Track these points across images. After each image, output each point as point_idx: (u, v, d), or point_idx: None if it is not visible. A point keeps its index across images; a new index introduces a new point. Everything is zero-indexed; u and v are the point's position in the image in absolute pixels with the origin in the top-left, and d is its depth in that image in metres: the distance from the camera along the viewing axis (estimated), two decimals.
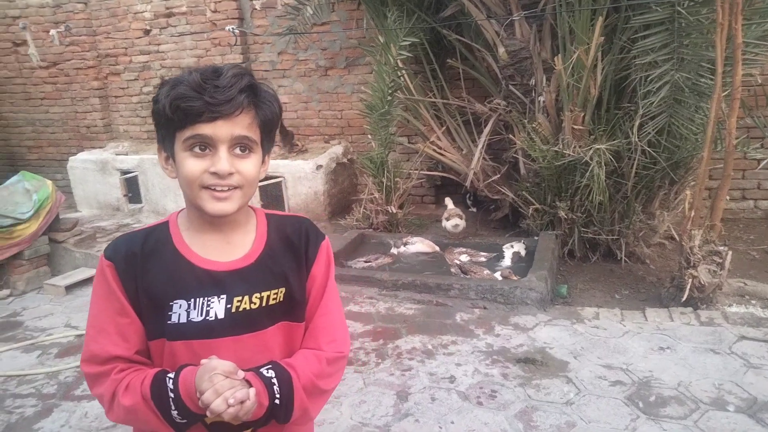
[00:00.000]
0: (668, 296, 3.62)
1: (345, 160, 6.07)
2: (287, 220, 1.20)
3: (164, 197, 6.18)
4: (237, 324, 1.06)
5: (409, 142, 5.97)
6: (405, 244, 4.69)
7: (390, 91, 4.76)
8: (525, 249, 4.44)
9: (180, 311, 1.04)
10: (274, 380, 1.04)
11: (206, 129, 0.99)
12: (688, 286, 3.36)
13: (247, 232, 1.13)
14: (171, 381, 1.00)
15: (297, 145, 6.16)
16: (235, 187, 1.03)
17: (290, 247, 1.15)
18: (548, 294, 3.72)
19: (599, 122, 4.21)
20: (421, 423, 2.54)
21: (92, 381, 1.06)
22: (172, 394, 0.99)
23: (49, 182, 4.58)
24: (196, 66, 1.02)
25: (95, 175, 6.53)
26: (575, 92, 4.06)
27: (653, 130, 3.78)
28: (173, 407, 0.99)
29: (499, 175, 5.00)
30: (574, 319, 3.48)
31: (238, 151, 1.03)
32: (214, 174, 1.00)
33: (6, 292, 4.31)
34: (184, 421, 1.01)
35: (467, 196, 5.88)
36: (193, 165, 1.01)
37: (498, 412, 2.60)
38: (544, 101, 4.40)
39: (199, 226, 1.10)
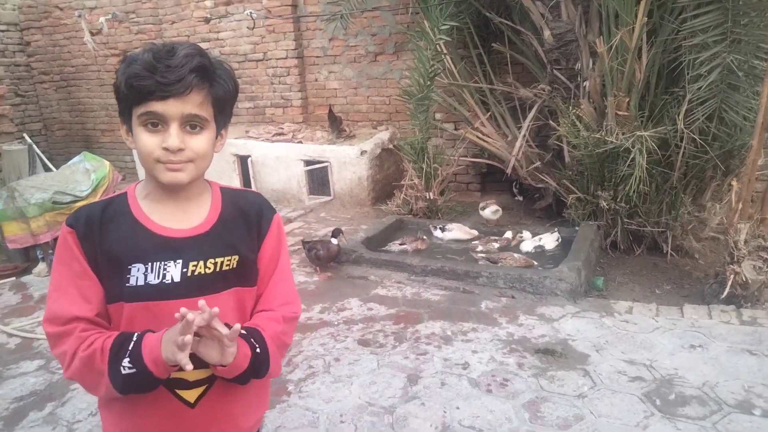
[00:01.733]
0: (710, 293, 3.41)
1: (391, 146, 6.09)
2: (241, 194, 1.26)
3: (218, 180, 6.41)
4: (192, 287, 1.11)
5: (455, 129, 5.90)
6: (442, 230, 4.66)
7: (429, 76, 4.71)
8: (557, 241, 4.29)
9: (138, 274, 1.09)
10: (245, 332, 1.12)
11: (158, 107, 1.03)
12: (730, 283, 3.16)
13: (202, 203, 1.19)
14: (137, 335, 1.06)
15: (345, 130, 6.23)
16: (188, 161, 1.08)
17: (243, 219, 1.21)
18: (581, 285, 3.59)
19: (646, 108, 4.00)
20: (427, 407, 2.55)
21: (55, 340, 1.10)
22: (132, 346, 1.04)
23: (107, 163, 4.88)
24: (151, 46, 1.07)
25: None
26: (619, 76, 3.87)
27: (702, 116, 3.55)
28: (127, 356, 1.04)
29: (540, 163, 4.85)
30: (604, 312, 3.35)
31: (188, 128, 1.07)
32: (166, 149, 1.05)
33: None
34: (133, 370, 1.03)
35: (513, 184, 5.76)
36: (147, 140, 1.06)
37: (506, 401, 2.56)
38: (588, 86, 4.22)
39: (157, 197, 1.15)
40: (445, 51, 4.97)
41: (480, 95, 5.36)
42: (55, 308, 1.10)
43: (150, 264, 1.10)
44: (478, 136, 5.29)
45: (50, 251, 4.61)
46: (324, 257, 4.09)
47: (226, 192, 1.24)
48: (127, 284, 1.09)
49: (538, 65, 4.93)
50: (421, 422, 2.43)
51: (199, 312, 0.99)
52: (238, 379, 1.12)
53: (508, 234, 4.47)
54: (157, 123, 1.05)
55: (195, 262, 1.12)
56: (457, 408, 2.52)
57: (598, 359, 2.86)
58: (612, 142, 3.87)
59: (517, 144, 4.88)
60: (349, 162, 5.83)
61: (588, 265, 3.83)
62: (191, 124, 1.07)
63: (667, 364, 2.77)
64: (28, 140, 5.78)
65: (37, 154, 5.66)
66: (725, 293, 3.19)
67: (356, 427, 2.43)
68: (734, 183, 3.28)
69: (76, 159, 4.91)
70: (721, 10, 3.36)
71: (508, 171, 5.03)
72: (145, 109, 1.04)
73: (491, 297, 3.63)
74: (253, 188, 6.33)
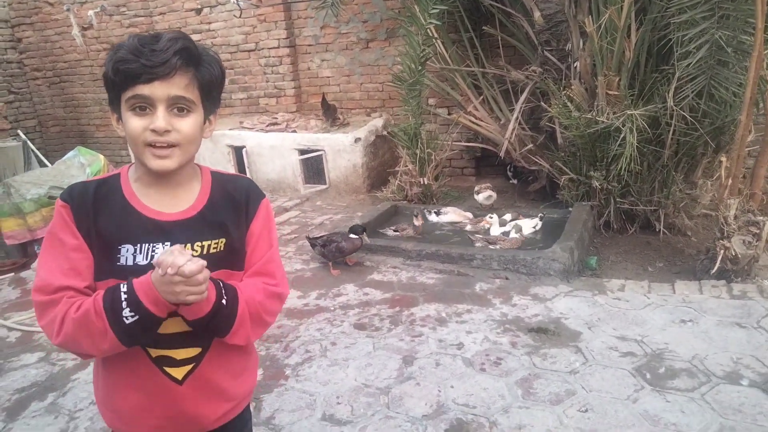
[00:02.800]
0: (702, 269, 3.45)
1: (385, 132, 6.09)
2: (230, 179, 1.29)
3: None
4: None
5: (448, 114, 5.91)
6: (437, 214, 4.69)
7: (421, 61, 4.71)
8: (534, 228, 4.28)
9: (127, 254, 1.13)
10: (221, 284, 1.15)
11: (144, 89, 1.07)
12: (720, 258, 3.19)
13: (192, 188, 1.22)
14: (124, 285, 1.08)
15: (339, 118, 6.24)
16: (174, 145, 1.11)
17: (231, 203, 1.23)
18: (573, 265, 3.63)
19: (636, 87, 4.00)
20: (422, 386, 2.59)
21: (42, 309, 1.10)
22: (124, 294, 1.06)
23: (101, 156, 4.90)
24: (137, 34, 1.11)
25: None
26: (609, 56, 3.88)
27: (692, 93, 3.56)
28: (125, 305, 1.05)
29: (533, 145, 4.87)
30: (596, 290, 3.39)
31: (176, 110, 1.10)
32: (153, 131, 1.08)
33: None
34: (136, 317, 1.05)
35: (508, 167, 5.77)
36: (135, 123, 1.09)
37: (499, 379, 2.60)
38: (578, 66, 4.23)
39: (147, 181, 1.18)
40: (436, 35, 4.97)
41: (472, 79, 5.37)
42: (45, 276, 1.11)
43: (139, 245, 1.13)
44: (471, 121, 5.31)
45: None
46: (347, 250, 3.93)
47: (216, 176, 1.26)
48: (117, 263, 1.13)
49: (530, 47, 4.94)
50: (416, 401, 2.47)
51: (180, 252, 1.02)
52: (195, 324, 1.12)
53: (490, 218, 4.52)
54: (144, 107, 1.09)
55: (182, 245, 1.12)
56: (452, 387, 2.57)
57: (590, 336, 2.90)
58: (603, 121, 3.89)
59: (510, 127, 4.89)
60: (344, 150, 5.84)
61: (581, 245, 3.86)
62: (178, 106, 1.10)
63: (658, 339, 2.81)
64: (23, 136, 5.80)
65: (32, 150, 5.68)
66: (715, 268, 3.22)
67: (352, 408, 2.47)
68: (724, 159, 3.30)
69: (70, 154, 4.93)
70: None
71: (501, 154, 5.05)
72: (132, 92, 1.07)
73: (485, 279, 3.67)
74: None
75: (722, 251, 3.19)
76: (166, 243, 1.14)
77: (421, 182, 5.10)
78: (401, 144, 5.20)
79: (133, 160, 1.24)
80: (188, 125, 1.12)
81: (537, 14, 4.46)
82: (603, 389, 2.45)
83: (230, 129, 6.59)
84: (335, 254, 3.95)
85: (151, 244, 1.14)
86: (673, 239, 4.13)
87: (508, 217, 4.49)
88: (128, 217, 1.14)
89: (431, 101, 6.02)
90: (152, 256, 1.12)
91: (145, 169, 1.16)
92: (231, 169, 6.45)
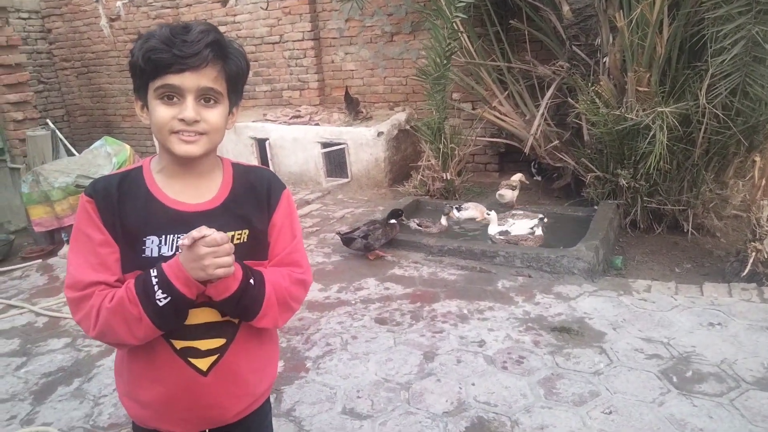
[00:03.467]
0: (731, 271, 3.36)
1: (408, 127, 6.06)
2: (252, 170, 1.29)
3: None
4: None
5: (472, 109, 5.85)
6: (459, 210, 4.66)
7: (446, 55, 4.66)
8: (531, 229, 4.10)
9: (152, 246, 1.14)
10: (248, 266, 1.16)
11: (175, 79, 1.08)
12: (751, 260, 3.11)
13: (214, 179, 1.23)
14: (154, 269, 1.10)
15: (362, 112, 6.22)
16: (201, 134, 1.13)
17: (253, 194, 1.24)
18: (598, 264, 3.57)
19: (667, 84, 3.91)
20: (443, 383, 2.57)
21: (76, 305, 1.13)
22: (155, 278, 1.08)
23: (128, 146, 4.96)
24: (166, 23, 1.12)
25: None
26: (640, 51, 3.79)
27: (725, 90, 3.46)
28: (156, 288, 1.08)
29: (559, 142, 4.80)
30: (622, 290, 3.33)
31: (203, 101, 1.12)
32: (182, 121, 1.10)
33: None
34: (168, 299, 1.08)
35: (532, 164, 5.71)
36: (163, 111, 1.10)
37: (521, 378, 2.57)
38: (608, 62, 4.14)
39: (171, 172, 1.19)
40: (461, 29, 4.91)
41: (497, 74, 5.30)
42: (76, 274, 1.13)
43: (164, 236, 1.14)
44: (495, 116, 5.25)
45: None
46: (391, 235, 4.09)
47: (238, 168, 1.27)
48: (142, 255, 1.14)
49: (557, 42, 4.85)
50: (436, 398, 2.46)
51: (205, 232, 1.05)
52: (224, 305, 1.14)
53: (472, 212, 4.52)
54: (173, 96, 1.10)
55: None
56: (473, 384, 2.55)
57: (615, 337, 2.85)
58: (632, 118, 3.81)
59: (536, 123, 4.83)
60: (366, 143, 5.83)
61: (606, 244, 3.79)
62: (206, 97, 1.12)
63: (685, 341, 2.75)
64: (51, 126, 5.89)
65: (60, 139, 5.77)
66: (746, 271, 3.14)
67: (373, 402, 2.46)
68: (758, 159, 3.21)
69: (97, 143, 4.99)
70: None
71: (526, 150, 4.98)
72: (162, 82, 1.08)
73: (508, 276, 3.63)
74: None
75: (754, 253, 3.11)
76: None
77: (444, 177, 5.06)
78: (425, 138, 5.16)
79: (156, 151, 1.25)
80: (215, 115, 1.13)
81: (566, 8, 4.38)
82: (628, 391, 2.41)
83: (253, 121, 6.62)
84: (379, 240, 4.03)
85: (176, 235, 1.15)
86: (701, 240, 4.04)
87: (494, 215, 4.37)
88: (152, 208, 1.15)
89: (455, 96, 5.96)
90: (177, 248, 1.13)
91: (169, 159, 1.17)
92: (254, 161, 6.48)
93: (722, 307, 3.03)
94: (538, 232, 4.05)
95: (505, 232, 4.11)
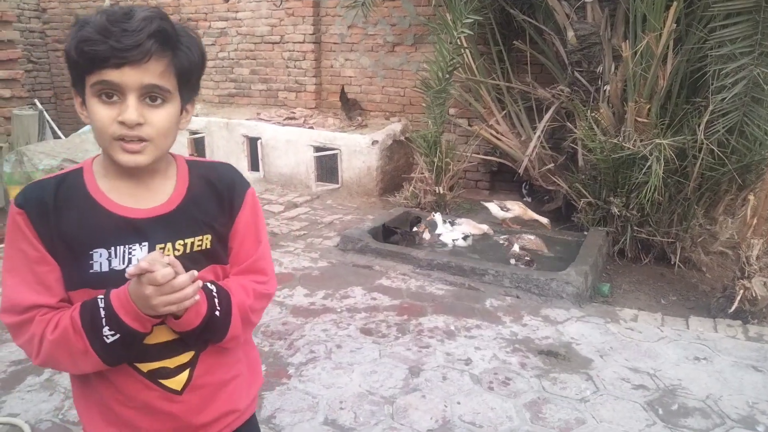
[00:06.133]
0: (717, 307, 3.38)
1: (402, 138, 6.05)
2: (210, 166, 1.15)
3: (227, 159, 6.39)
4: None
5: (468, 125, 5.86)
6: (452, 224, 4.63)
7: (449, 69, 4.66)
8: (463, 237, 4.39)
9: (101, 260, 0.99)
10: (215, 294, 1.04)
11: (113, 75, 0.92)
12: (739, 297, 3.13)
13: (167, 178, 1.08)
14: (102, 299, 0.96)
15: (359, 118, 6.19)
16: (146, 140, 0.97)
17: (214, 193, 1.11)
18: (587, 290, 3.57)
19: (666, 116, 3.95)
20: (427, 399, 2.53)
21: (16, 330, 1.00)
22: (103, 310, 0.95)
23: None
24: (107, 8, 0.96)
25: None
26: (642, 82, 3.83)
27: (723, 128, 3.51)
28: (104, 323, 0.94)
29: (554, 165, 4.81)
30: (609, 318, 3.33)
31: (148, 100, 0.96)
32: (123, 123, 0.94)
33: None
34: (117, 336, 0.95)
35: (523, 184, 5.73)
36: (101, 112, 0.94)
37: (507, 399, 2.54)
38: (608, 90, 4.18)
39: (116, 173, 1.03)
40: (465, 45, 4.92)
41: (497, 93, 5.32)
42: (12, 296, 0.98)
43: (113, 248, 1.00)
44: (492, 134, 5.26)
45: None
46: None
47: (194, 165, 1.12)
48: (90, 270, 1.00)
49: (559, 66, 4.89)
50: (421, 414, 2.41)
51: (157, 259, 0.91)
52: (184, 335, 1.03)
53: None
54: (112, 94, 0.94)
55: (162, 244, 1.02)
56: (458, 403, 2.50)
57: (601, 364, 2.83)
58: (629, 148, 3.83)
59: (532, 144, 4.84)
60: (360, 151, 5.79)
61: (595, 271, 3.80)
62: (151, 96, 0.96)
63: (671, 374, 2.75)
64: (39, 106, 5.75)
65: (47, 120, 5.63)
66: (734, 308, 3.16)
67: (356, 414, 2.40)
68: (751, 197, 3.25)
69: (86, 128, 4.88)
70: (751, 21, 3.31)
71: (521, 171, 4.99)
72: (98, 77, 0.93)
73: (496, 295, 3.60)
74: (261, 171, 6.31)
75: (742, 291, 3.13)
76: (143, 243, 1.02)
77: (436, 191, 5.04)
78: (420, 151, 5.14)
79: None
80: (162, 117, 0.97)
81: (570, 34, 4.41)
82: (614, 421, 2.39)
83: (247, 119, 6.55)
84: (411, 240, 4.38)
85: (127, 246, 1.01)
86: (687, 273, 4.07)
87: (461, 221, 4.65)
88: (96, 217, 1.00)
89: (452, 111, 5.96)
90: (130, 260, 1.00)
91: (113, 161, 1.01)
92: (244, 159, 6.40)
93: (708, 342, 3.04)
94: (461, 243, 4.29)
95: (459, 239, 4.41)
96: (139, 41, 0.91)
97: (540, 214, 4.68)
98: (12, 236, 1.00)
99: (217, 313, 1.03)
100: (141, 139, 0.96)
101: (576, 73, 4.51)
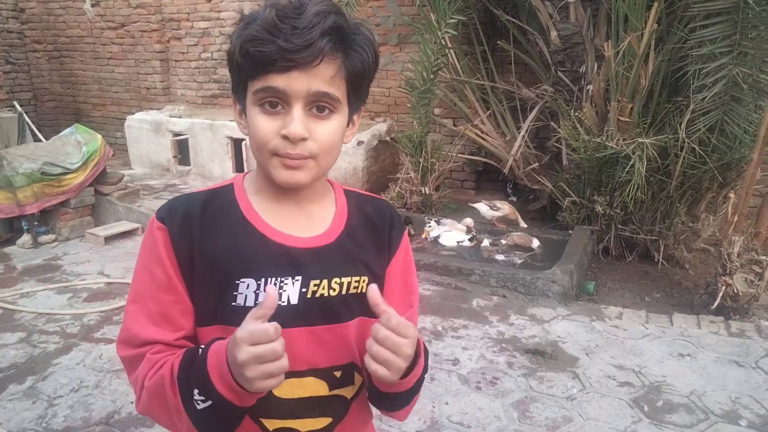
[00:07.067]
0: (700, 303, 3.43)
1: (388, 138, 6.04)
2: (367, 200, 1.00)
3: (211, 161, 6.36)
4: (312, 312, 0.87)
5: (453, 125, 5.87)
6: (438, 224, 4.64)
7: (433, 69, 4.67)
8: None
9: (247, 292, 0.85)
10: (424, 351, 0.89)
11: (279, 81, 0.80)
12: (721, 294, 3.17)
13: (327, 206, 0.95)
14: (201, 350, 0.79)
15: None
16: (309, 157, 0.84)
17: (372, 229, 0.96)
18: (572, 289, 3.60)
19: (648, 115, 4.00)
20: None
21: (128, 365, 0.87)
22: (196, 368, 0.78)
23: (99, 136, 4.79)
24: (275, 1, 0.81)
25: (149, 135, 6.79)
26: (624, 82, 3.86)
27: (704, 127, 3.55)
28: (194, 384, 0.77)
29: (538, 164, 4.85)
30: (594, 316, 3.36)
31: (315, 110, 0.83)
32: (285, 138, 0.82)
33: (51, 237, 4.57)
34: (208, 403, 0.76)
35: (507, 184, 5.76)
36: (263, 125, 0.83)
37: (495, 399, 2.55)
38: (591, 90, 4.21)
39: (271, 194, 0.90)
40: (449, 45, 4.93)
41: (481, 93, 5.34)
42: (131, 326, 0.86)
43: (263, 279, 0.85)
44: (477, 134, 5.27)
45: (36, 223, 4.52)
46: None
47: (352, 196, 0.98)
48: (233, 303, 0.85)
49: (542, 66, 4.92)
50: (409, 415, 2.40)
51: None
52: (395, 401, 0.87)
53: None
54: (276, 103, 0.82)
55: (317, 281, 0.87)
56: (446, 403, 2.51)
57: (587, 362, 2.86)
58: (612, 147, 3.87)
59: (516, 144, 4.87)
60: (345, 152, 5.77)
61: (580, 269, 3.83)
62: (318, 105, 0.82)
63: (656, 371, 2.78)
64: (19, 108, 5.66)
65: (27, 123, 5.54)
66: (716, 304, 3.20)
67: None
68: (732, 195, 3.29)
69: (67, 131, 4.81)
70: (730, 21, 3.35)
71: (506, 170, 5.02)
72: (263, 83, 0.81)
73: (483, 295, 3.62)
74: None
75: (724, 287, 3.17)
76: (296, 278, 0.86)
77: (422, 191, 5.05)
78: (405, 151, 5.14)
79: (247, 168, 0.98)
80: (329, 131, 0.84)
81: (554, 34, 4.44)
82: (600, 418, 2.41)
83: (231, 120, 6.49)
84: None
85: (279, 279, 0.85)
86: (670, 271, 4.12)
87: (446, 221, 4.67)
88: (251, 243, 0.87)
89: (437, 111, 5.97)
90: (279, 295, 0.83)
91: (269, 181, 0.89)
92: (229, 161, 6.35)
93: (692, 338, 3.08)
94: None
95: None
96: (311, 40, 0.78)
97: (522, 215, 4.72)
98: (146, 255, 0.88)
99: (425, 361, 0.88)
100: (303, 156, 0.83)
101: (559, 73, 4.55)
